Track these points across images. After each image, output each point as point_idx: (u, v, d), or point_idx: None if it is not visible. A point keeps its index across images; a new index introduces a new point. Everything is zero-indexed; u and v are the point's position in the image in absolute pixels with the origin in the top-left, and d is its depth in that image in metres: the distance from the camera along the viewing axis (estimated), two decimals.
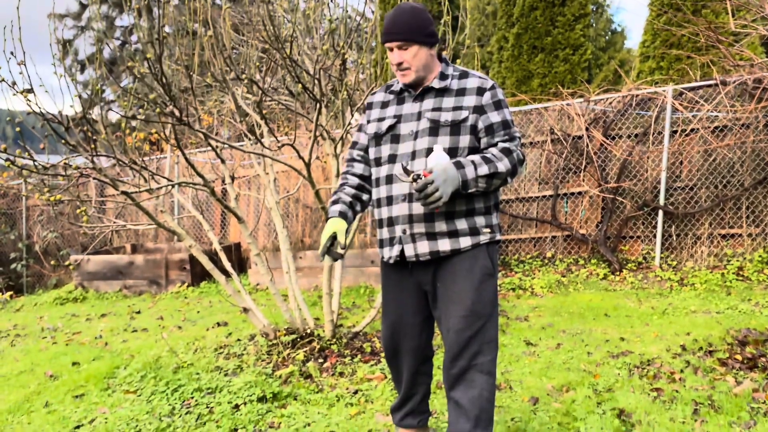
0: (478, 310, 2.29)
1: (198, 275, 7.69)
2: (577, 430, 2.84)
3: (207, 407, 3.38)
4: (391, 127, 2.40)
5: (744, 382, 3.26)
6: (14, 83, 3.06)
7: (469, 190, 2.20)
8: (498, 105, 2.30)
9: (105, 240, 9.69)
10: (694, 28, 6.68)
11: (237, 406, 3.34)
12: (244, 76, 3.61)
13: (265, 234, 8.66)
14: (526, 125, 7.21)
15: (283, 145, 3.80)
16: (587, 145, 6.69)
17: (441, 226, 2.29)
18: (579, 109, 6.77)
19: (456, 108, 2.29)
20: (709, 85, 6.20)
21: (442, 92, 2.35)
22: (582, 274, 6.47)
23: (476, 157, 2.21)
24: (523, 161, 2.31)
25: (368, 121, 2.53)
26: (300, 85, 3.62)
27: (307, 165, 3.88)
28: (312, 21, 4.44)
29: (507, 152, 2.25)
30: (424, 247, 2.32)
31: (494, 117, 2.29)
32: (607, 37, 15.25)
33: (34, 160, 3.19)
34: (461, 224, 2.29)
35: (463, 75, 2.37)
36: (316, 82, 3.72)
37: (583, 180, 6.82)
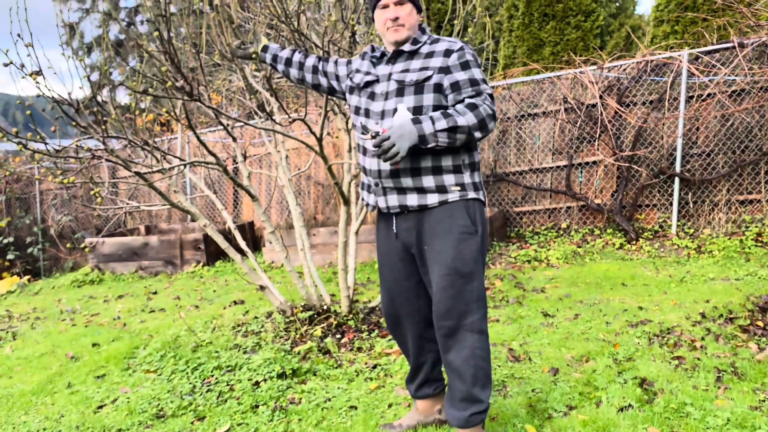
0: (458, 268, 2.30)
1: (213, 254, 7.72)
2: (599, 399, 2.83)
3: (227, 385, 3.40)
4: (368, 83, 2.46)
5: (767, 348, 3.22)
6: (23, 65, 3.03)
7: (429, 145, 2.19)
8: (465, 65, 2.30)
9: (119, 222, 9.76)
10: None
11: (257, 383, 3.36)
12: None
13: (277, 212, 8.66)
14: (539, 95, 7.10)
15: (294, 121, 3.76)
16: (601, 113, 6.58)
17: (407, 182, 2.33)
18: (592, 77, 6.65)
19: (422, 69, 2.33)
20: (726, 48, 6.06)
21: (413, 55, 2.40)
22: (598, 244, 6.42)
23: (436, 113, 2.22)
24: (494, 116, 2.25)
25: (357, 69, 2.58)
26: None
27: (319, 140, 3.85)
28: None
29: (472, 107, 2.22)
30: (393, 200, 2.39)
31: (460, 75, 2.29)
32: (617, 3, 14.94)
33: (46, 143, 3.17)
34: (428, 181, 2.31)
35: (435, 41, 2.41)
36: (326, 55, 3.67)
37: (598, 149, 6.73)
